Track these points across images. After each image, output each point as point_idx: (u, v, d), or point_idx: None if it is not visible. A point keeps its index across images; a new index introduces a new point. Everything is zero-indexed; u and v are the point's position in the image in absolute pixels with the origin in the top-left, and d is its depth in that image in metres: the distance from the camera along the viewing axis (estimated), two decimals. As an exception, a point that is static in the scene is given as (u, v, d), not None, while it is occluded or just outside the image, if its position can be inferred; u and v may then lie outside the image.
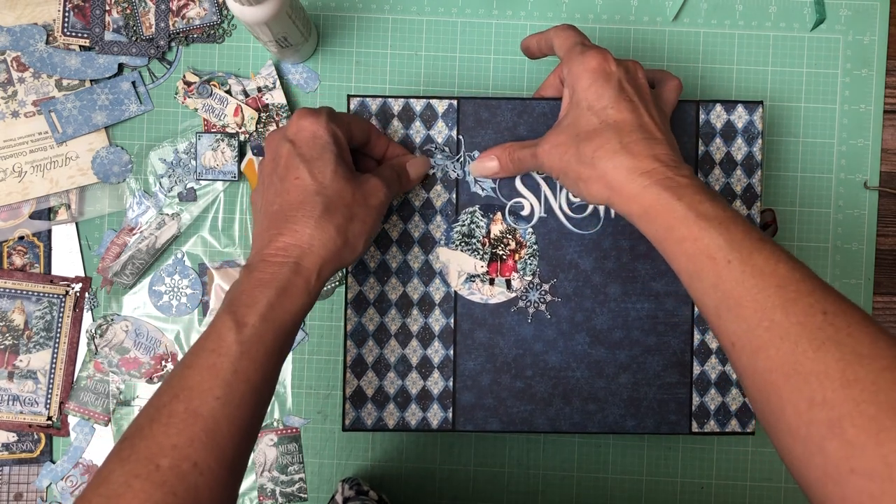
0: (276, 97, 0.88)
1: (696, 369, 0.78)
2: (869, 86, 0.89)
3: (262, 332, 0.58)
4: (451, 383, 0.77)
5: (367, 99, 0.77)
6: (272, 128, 0.87)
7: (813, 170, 0.89)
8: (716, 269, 0.58)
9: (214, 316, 0.60)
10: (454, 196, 0.77)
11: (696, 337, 0.78)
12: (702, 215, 0.60)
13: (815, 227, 0.89)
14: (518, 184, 0.77)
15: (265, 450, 0.87)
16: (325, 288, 0.84)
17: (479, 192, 0.77)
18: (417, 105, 0.77)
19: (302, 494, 0.88)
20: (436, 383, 0.77)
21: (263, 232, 0.64)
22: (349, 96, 0.77)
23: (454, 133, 0.77)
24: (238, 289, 0.61)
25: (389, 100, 0.77)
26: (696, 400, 0.78)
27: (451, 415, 0.77)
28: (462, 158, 0.77)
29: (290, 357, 0.89)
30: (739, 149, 0.78)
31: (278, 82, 0.88)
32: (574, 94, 0.67)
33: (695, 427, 0.78)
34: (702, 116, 0.78)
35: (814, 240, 0.89)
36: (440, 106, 0.77)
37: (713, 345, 0.78)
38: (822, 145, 0.89)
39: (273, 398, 0.85)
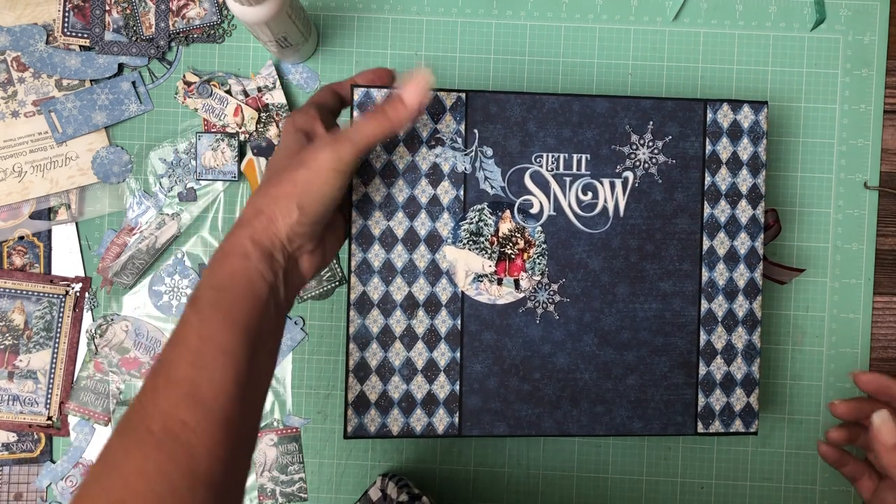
0: (277, 97, 0.84)
1: (702, 370, 0.74)
2: (869, 86, 0.85)
3: (214, 299, 0.58)
4: (457, 387, 0.71)
5: (372, 90, 0.69)
6: (272, 128, 0.84)
7: (813, 170, 0.85)
8: None
9: None
10: (462, 193, 0.71)
11: (703, 337, 0.73)
12: None
13: (815, 227, 0.85)
14: (528, 181, 0.72)
15: (265, 450, 0.84)
16: (324, 288, 0.84)
17: (488, 189, 0.71)
18: None
19: (302, 494, 0.85)
20: (442, 387, 0.71)
21: None
22: (353, 87, 0.71)
23: (462, 127, 0.71)
24: None
25: (395, 91, 0.69)
26: (701, 400, 0.74)
27: (457, 419, 0.71)
28: (473, 153, 0.71)
29: (289, 357, 0.85)
30: (745, 148, 0.73)
31: (278, 82, 0.84)
32: None
33: (700, 428, 0.74)
34: (709, 115, 0.72)
35: (814, 240, 0.85)
36: (448, 99, 0.70)
37: (718, 345, 0.74)
38: (822, 145, 0.85)
39: (273, 398, 0.84)
